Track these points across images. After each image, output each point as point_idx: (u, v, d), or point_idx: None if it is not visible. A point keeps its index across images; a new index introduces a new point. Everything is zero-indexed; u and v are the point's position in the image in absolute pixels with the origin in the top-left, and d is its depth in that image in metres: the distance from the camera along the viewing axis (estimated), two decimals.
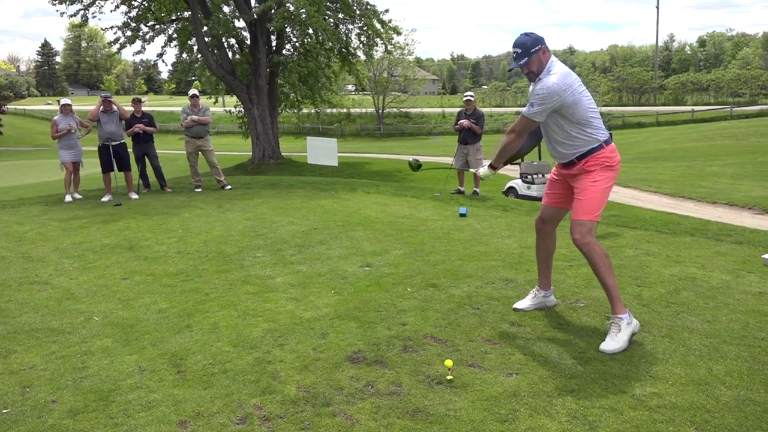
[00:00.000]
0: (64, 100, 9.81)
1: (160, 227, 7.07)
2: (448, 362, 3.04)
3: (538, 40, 3.41)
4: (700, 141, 27.85)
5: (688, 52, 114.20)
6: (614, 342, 3.29)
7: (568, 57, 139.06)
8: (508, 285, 4.47)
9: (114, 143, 9.23)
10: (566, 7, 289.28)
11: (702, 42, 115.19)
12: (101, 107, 9.20)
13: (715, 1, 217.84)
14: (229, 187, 10.32)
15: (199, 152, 10.24)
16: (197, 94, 10.19)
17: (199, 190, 10.22)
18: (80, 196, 9.76)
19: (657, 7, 56.52)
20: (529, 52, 3.39)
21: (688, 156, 23.65)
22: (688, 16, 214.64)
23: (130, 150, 9.64)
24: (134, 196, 9.53)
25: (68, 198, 9.43)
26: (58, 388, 3.06)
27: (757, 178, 17.63)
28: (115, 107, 9.29)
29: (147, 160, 10.17)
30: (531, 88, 3.56)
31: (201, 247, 6.00)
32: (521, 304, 3.97)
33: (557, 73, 3.36)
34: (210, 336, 3.67)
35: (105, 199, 9.33)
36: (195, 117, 9.93)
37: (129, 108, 10.06)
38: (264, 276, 4.95)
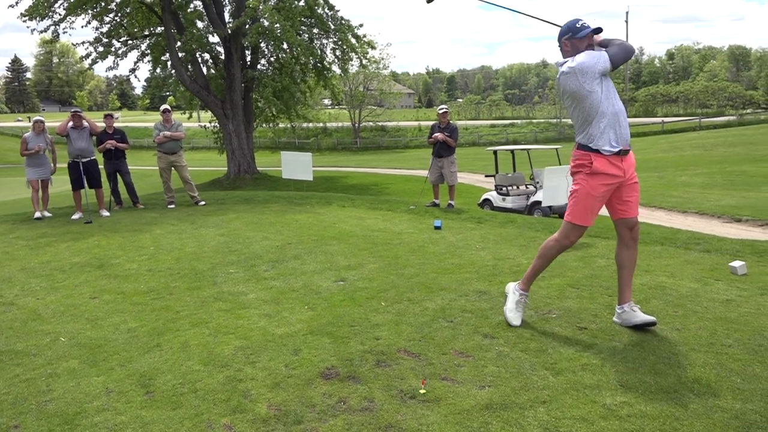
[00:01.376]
0: (37, 118, 9.65)
1: (131, 244, 6.96)
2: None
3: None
4: (671, 151, 28.47)
5: (657, 65, 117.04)
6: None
7: (542, 70, 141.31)
8: (482, 297, 4.47)
9: (84, 160, 9.09)
10: (538, 22, 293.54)
11: (670, 55, 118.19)
12: (70, 123, 9.06)
13: (681, 16, 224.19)
14: (202, 203, 10.23)
15: (173, 168, 10.14)
16: (169, 109, 10.10)
17: (173, 206, 10.10)
18: (50, 214, 9.57)
19: (626, 21, 58.01)
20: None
21: (659, 166, 24.12)
22: (655, 30, 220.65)
23: (101, 166, 9.51)
24: (105, 213, 9.37)
25: (38, 214, 9.24)
26: (21, 413, 2.97)
27: (726, 188, 18.04)
28: (85, 123, 9.16)
29: (119, 176, 10.03)
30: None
31: (173, 264, 5.91)
32: (518, 321, 3.84)
33: None
34: (180, 355, 3.61)
35: (75, 216, 9.16)
36: (167, 133, 9.84)
37: (101, 123, 9.92)
38: (237, 292, 4.89)
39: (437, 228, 7.35)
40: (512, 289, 3.94)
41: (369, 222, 8.01)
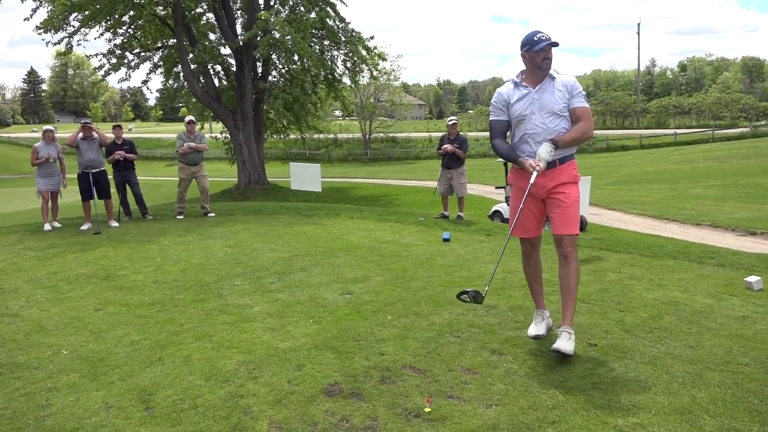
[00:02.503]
0: (47, 127, 9.72)
1: (138, 255, 6.94)
2: None
3: None
4: (683, 163, 28.18)
5: (670, 76, 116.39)
6: (571, 344, 3.41)
7: None
8: (490, 312, 4.39)
9: (94, 171, 9.11)
10: (549, 33, 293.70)
11: (683, 67, 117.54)
12: (80, 134, 9.10)
13: (693, 27, 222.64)
14: (212, 214, 10.21)
15: (193, 179, 10.10)
16: (194, 120, 10.03)
17: (181, 217, 10.09)
18: (59, 225, 9.60)
19: (638, 33, 57.89)
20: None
21: (672, 178, 23.89)
22: (668, 41, 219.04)
23: (111, 177, 9.53)
24: (114, 224, 9.38)
25: (47, 226, 9.26)
26: (18, 428, 2.92)
27: (740, 200, 17.80)
28: (95, 134, 9.19)
29: (128, 187, 10.05)
30: (539, 87, 3.58)
31: (179, 276, 5.88)
32: (538, 330, 3.68)
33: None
34: (182, 369, 3.55)
35: (84, 227, 9.17)
36: (192, 144, 9.80)
37: (110, 134, 9.97)
38: (242, 305, 4.83)
39: (446, 240, 7.27)
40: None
41: (377, 234, 7.94)
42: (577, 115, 3.56)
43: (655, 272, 5.39)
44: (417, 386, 3.18)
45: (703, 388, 3.02)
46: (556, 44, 3.51)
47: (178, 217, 10.09)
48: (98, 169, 9.18)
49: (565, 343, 3.40)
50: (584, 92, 3.61)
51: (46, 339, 4.21)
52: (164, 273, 6.03)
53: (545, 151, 3.46)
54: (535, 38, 3.51)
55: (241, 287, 5.38)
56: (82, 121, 9.32)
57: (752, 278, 4.75)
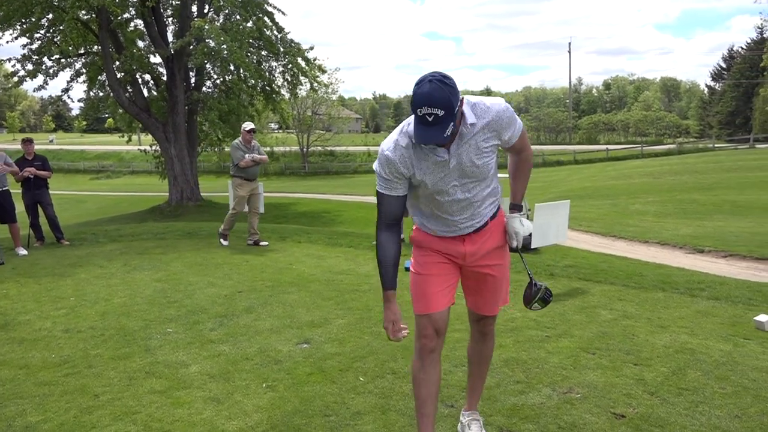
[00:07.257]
0: None
1: (47, 294, 5.83)
2: None
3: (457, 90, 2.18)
4: (619, 179, 28.78)
5: (595, 94, 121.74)
6: None
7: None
8: None
9: None
10: (482, 51, 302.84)
11: (607, 85, 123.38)
12: None
13: (614, 48, 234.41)
14: (264, 243, 8.63)
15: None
16: (254, 128, 8.71)
17: (226, 243, 8.61)
18: None
19: (569, 52, 59.97)
20: (455, 110, 2.15)
21: (611, 194, 24.21)
22: (590, 61, 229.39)
23: (18, 191, 8.26)
24: (22, 251, 8.11)
25: None
26: None
27: (680, 216, 18.07)
28: None
29: (40, 208, 8.79)
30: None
31: (96, 322, 4.86)
32: None
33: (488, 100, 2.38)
34: None
35: None
36: (257, 156, 8.48)
37: (14, 147, 8.68)
38: (175, 363, 3.91)
39: (408, 270, 6.53)
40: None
41: (330, 262, 7.13)
42: (516, 148, 2.55)
43: (650, 309, 4.85)
44: None
45: None
46: (445, 139, 2.17)
47: (223, 243, 8.55)
48: (0, 189, 7.92)
49: None
50: (512, 112, 2.42)
51: None
52: (78, 318, 4.99)
53: (519, 225, 2.59)
54: (419, 113, 2.13)
55: (174, 336, 4.45)
56: None
57: (763, 317, 4.27)
